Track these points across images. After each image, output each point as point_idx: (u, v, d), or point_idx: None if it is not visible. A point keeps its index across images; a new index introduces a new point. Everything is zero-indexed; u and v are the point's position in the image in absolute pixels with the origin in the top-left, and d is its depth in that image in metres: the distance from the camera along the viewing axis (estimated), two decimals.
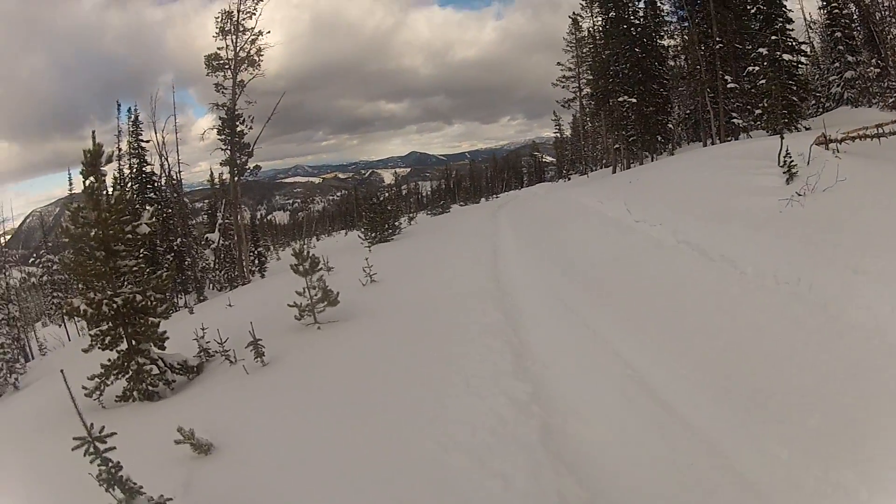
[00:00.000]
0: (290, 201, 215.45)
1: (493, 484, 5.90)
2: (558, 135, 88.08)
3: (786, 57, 28.62)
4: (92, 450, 5.76)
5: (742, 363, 7.69)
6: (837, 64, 34.05)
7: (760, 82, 28.07)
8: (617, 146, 43.39)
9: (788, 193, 13.02)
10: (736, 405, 6.90)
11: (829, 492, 5.34)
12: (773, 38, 28.66)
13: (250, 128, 37.36)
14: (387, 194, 48.60)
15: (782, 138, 15.69)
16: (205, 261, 40.82)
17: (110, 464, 5.79)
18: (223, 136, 36.88)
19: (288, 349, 11.67)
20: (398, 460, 6.56)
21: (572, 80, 62.64)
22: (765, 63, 28.45)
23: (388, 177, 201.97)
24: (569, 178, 72.05)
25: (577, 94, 62.65)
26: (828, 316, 8.13)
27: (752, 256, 10.84)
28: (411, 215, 47.04)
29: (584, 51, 59.15)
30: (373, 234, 29.93)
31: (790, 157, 14.41)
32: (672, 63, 43.03)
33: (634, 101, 37.36)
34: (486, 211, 39.52)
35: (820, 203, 12.08)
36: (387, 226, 30.24)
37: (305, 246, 14.09)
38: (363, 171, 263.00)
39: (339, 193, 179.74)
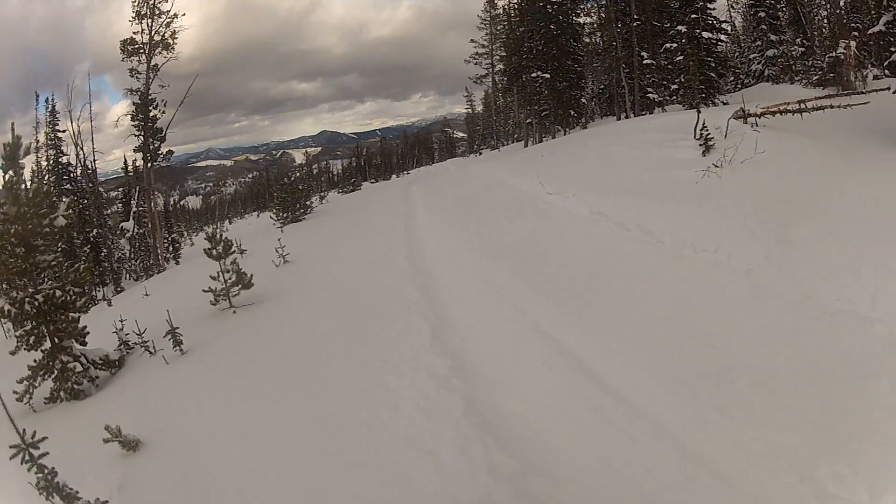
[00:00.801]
0: (203, 185, 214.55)
1: (424, 462, 5.90)
2: (470, 111, 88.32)
3: (705, 34, 28.79)
4: (27, 457, 5.61)
5: (667, 331, 7.67)
6: (759, 42, 34.63)
7: (678, 58, 28.28)
8: (529, 121, 43.31)
9: (705, 165, 13.14)
10: (662, 372, 6.88)
11: (766, 451, 5.42)
12: (693, 16, 28.80)
13: (163, 112, 36.53)
14: (298, 174, 47.81)
15: (699, 112, 15.75)
16: (120, 251, 39.76)
17: (46, 470, 5.61)
18: (136, 122, 35.95)
19: (206, 336, 11.19)
20: (324, 445, 6.46)
21: (485, 56, 62.92)
22: (683, 40, 28.63)
23: (299, 157, 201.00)
24: (480, 154, 72.02)
25: (490, 70, 63.11)
26: (751, 284, 8.17)
27: (670, 227, 10.79)
28: (323, 194, 45.97)
29: (498, 28, 59.64)
30: (284, 215, 29.19)
31: (706, 131, 14.47)
32: (588, 40, 43.63)
33: (548, 76, 37.37)
34: (398, 188, 38.61)
35: (738, 175, 12.25)
36: (298, 206, 29.55)
37: (218, 230, 13.60)
38: (274, 152, 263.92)
39: (250, 175, 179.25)
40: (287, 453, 6.45)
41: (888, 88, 17.15)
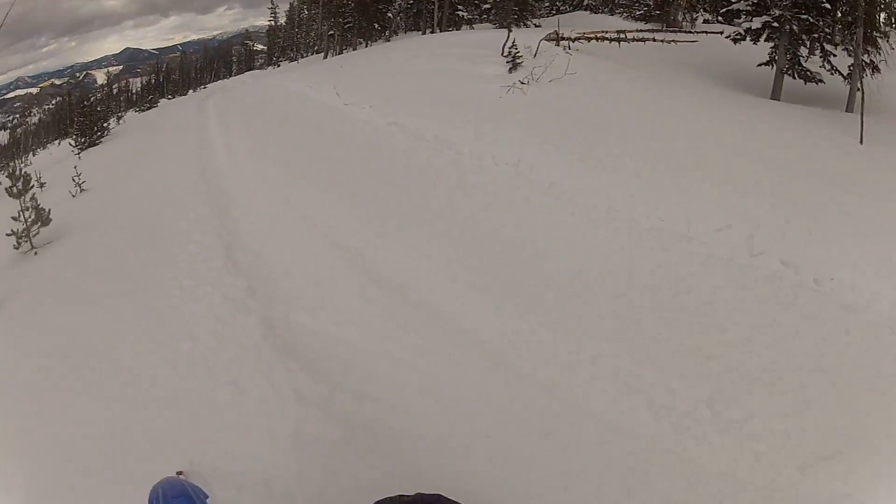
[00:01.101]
0: (11, 118, 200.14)
1: (231, 397, 5.51)
2: (273, 23, 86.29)
3: None
4: None
5: (473, 239, 7.47)
6: None
7: None
8: (332, 32, 41.45)
9: (511, 82, 12.81)
10: (466, 279, 6.73)
11: (577, 358, 5.46)
12: None
13: None
14: (98, 95, 45.01)
15: (510, 31, 15.42)
16: None
17: None
18: None
19: (12, 286, 9.75)
20: (126, 392, 5.85)
21: None
22: None
23: (101, 77, 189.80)
24: (278, 66, 70.48)
25: None
26: (556, 195, 7.96)
27: (470, 139, 10.24)
28: (120, 115, 43.07)
29: None
30: (83, 140, 26.86)
31: (515, 49, 14.09)
32: None
33: None
34: (193, 103, 36.10)
35: (545, 92, 12.05)
36: (96, 129, 27.32)
37: (19, 165, 12.07)
38: (77, 75, 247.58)
39: (54, 101, 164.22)
40: (92, 402, 5.81)
41: (721, 33, 17.69)
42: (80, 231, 11.33)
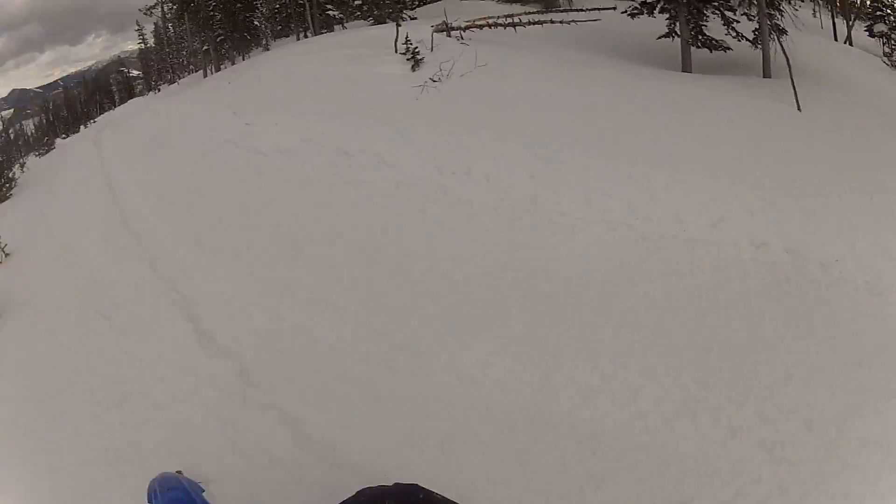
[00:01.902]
0: None
1: None
2: (142, 46, 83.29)
3: None
4: None
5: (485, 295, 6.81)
6: None
7: None
8: (206, 48, 40.50)
9: (419, 81, 12.40)
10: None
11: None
12: None
13: None
14: None
15: (398, 25, 15.08)
16: None
17: None
18: None
19: None
20: None
21: None
22: None
23: None
24: (159, 90, 68.09)
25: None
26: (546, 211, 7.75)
27: (400, 151, 9.70)
28: (22, 161, 41.19)
29: None
30: None
31: (412, 44, 13.64)
32: None
33: None
34: (88, 140, 35.00)
35: (461, 88, 11.85)
36: (2, 181, 25.48)
37: None
38: None
39: None
40: None
41: (614, 8, 17.64)
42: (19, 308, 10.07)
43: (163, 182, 13.83)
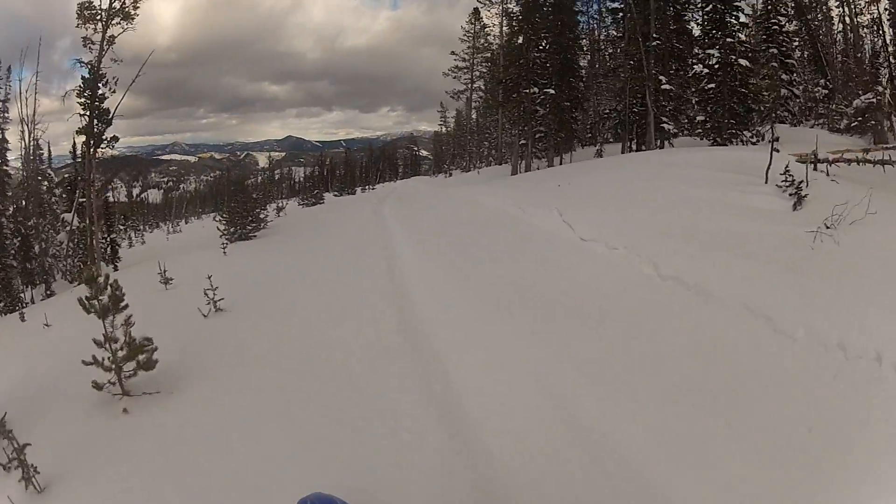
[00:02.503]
0: (166, 179, 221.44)
1: None
2: (442, 127, 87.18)
3: (742, 62, 26.40)
4: None
5: None
6: (767, 80, 32.38)
7: (709, 86, 25.87)
8: (523, 142, 39.26)
9: (805, 222, 10.04)
10: None
11: None
12: (729, 40, 26.47)
13: (113, 91, 33.02)
14: (258, 178, 45.10)
15: (774, 149, 13.13)
16: (56, 246, 36.25)
17: None
18: (83, 100, 32.20)
19: (78, 454, 7.56)
20: None
21: (465, 71, 62.47)
22: (716, 66, 26.47)
23: (262, 160, 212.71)
24: (450, 175, 69.82)
25: (469, 85, 62.88)
26: None
27: (796, 311, 7.39)
28: (281, 205, 42.65)
29: (481, 42, 60.54)
30: (232, 230, 25.73)
31: (791, 175, 11.70)
32: (584, 61, 41.71)
33: (552, 91, 34.29)
34: (366, 204, 35.10)
35: (857, 241, 9.03)
36: (250, 218, 26.15)
37: (96, 271, 9.04)
38: (239, 153, 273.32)
39: (213, 174, 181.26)
40: None
41: None
42: (197, 382, 9.06)
43: (467, 283, 12.13)
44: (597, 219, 13.72)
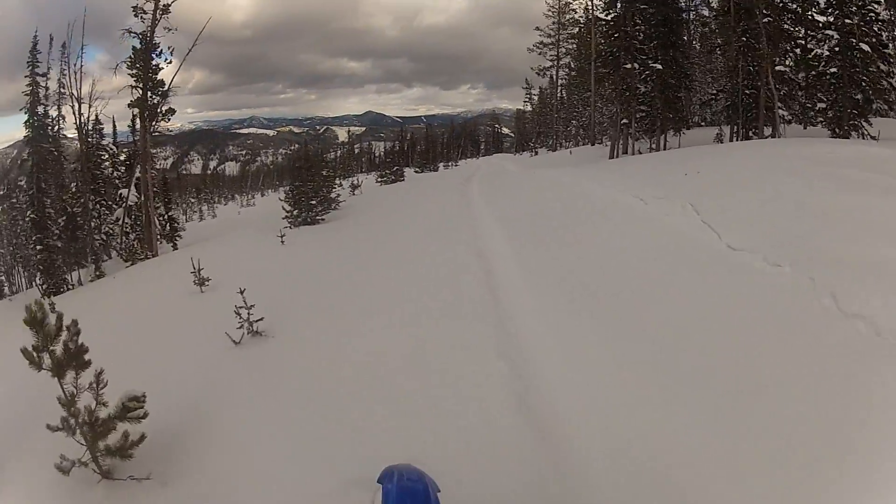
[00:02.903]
0: (244, 152, 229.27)
1: None
2: (527, 104, 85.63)
3: (863, 47, 24.20)
4: None
5: None
6: None
7: (831, 70, 23.61)
8: (625, 121, 35.70)
9: None
10: None
11: None
12: (848, 21, 24.46)
13: (169, 62, 32.60)
14: (338, 152, 42.84)
15: None
16: (109, 224, 35.88)
17: None
18: (135, 71, 31.60)
19: None
20: None
21: (550, 46, 61.72)
22: (836, 49, 24.47)
23: (342, 134, 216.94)
24: (535, 153, 67.50)
25: (555, 62, 63.16)
26: None
27: None
28: (357, 181, 40.09)
29: (567, 17, 59.79)
30: (296, 213, 23.41)
31: None
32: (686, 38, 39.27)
33: (659, 67, 31.38)
34: (450, 182, 32.23)
35: None
36: (315, 202, 23.73)
37: (42, 305, 6.10)
38: (318, 127, 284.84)
39: (292, 147, 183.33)
40: None
41: None
42: (205, 463, 6.60)
43: (577, 299, 9.53)
44: (745, 221, 10.90)
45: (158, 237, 34.42)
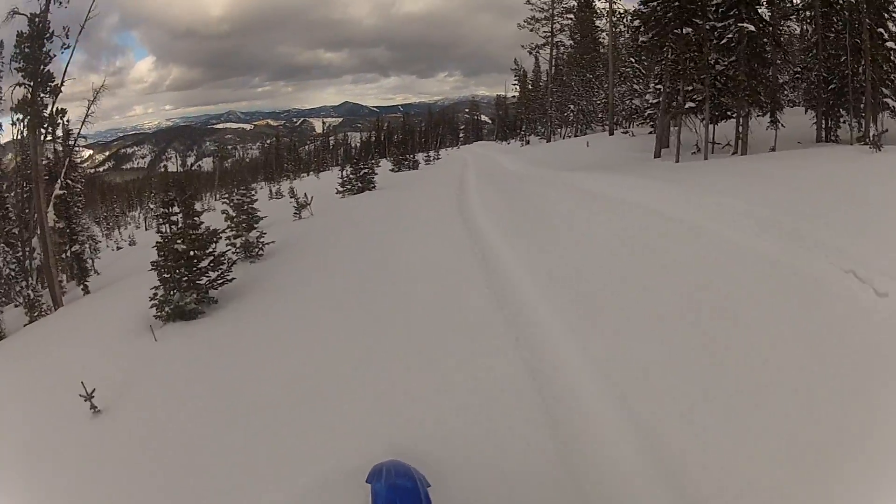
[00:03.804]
0: (227, 146, 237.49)
1: None
2: (515, 86, 79.91)
3: None
4: None
5: None
6: None
7: None
8: (691, 104, 23.26)
9: None
10: None
11: None
12: None
13: (66, 47, 24.38)
14: (315, 144, 35.45)
15: None
16: (10, 265, 26.85)
17: None
18: (20, 63, 23.54)
19: None
20: None
21: (544, 22, 55.32)
22: None
23: (319, 126, 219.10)
24: (526, 142, 59.76)
25: (549, 38, 56.04)
26: None
27: None
28: (304, 198, 24.93)
29: None
30: (162, 299, 12.80)
31: None
32: None
33: (751, 27, 20.66)
34: (439, 192, 23.32)
35: None
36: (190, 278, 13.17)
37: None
38: (295, 120, 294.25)
39: (269, 141, 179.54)
40: None
41: None
42: None
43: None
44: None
45: (62, 283, 26.27)
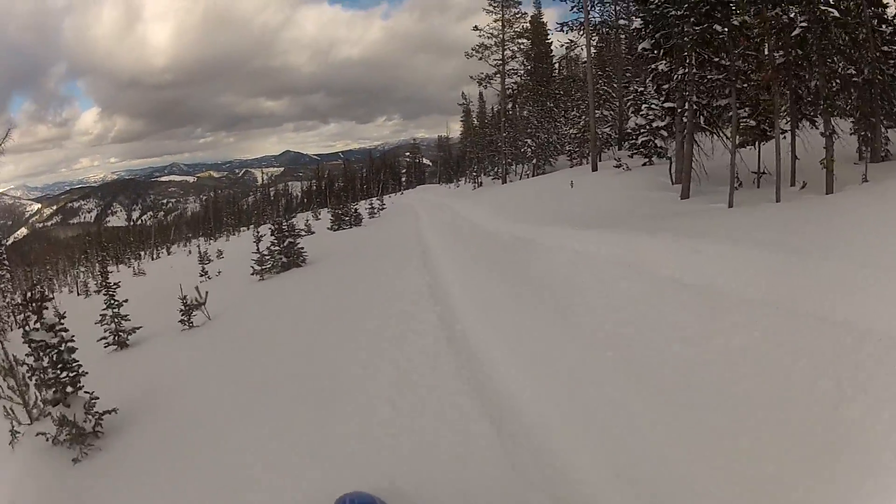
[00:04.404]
0: (165, 201, 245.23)
1: None
2: (461, 124, 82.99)
3: None
4: None
5: None
6: None
7: None
8: (746, 118, 17.49)
9: None
10: None
11: None
12: None
13: None
14: (256, 195, 32.08)
15: None
16: None
17: None
18: None
19: None
20: None
21: (494, 49, 51.25)
22: None
23: (261, 176, 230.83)
24: (480, 184, 54.43)
25: (500, 67, 51.49)
26: None
27: None
28: (198, 297, 18.16)
29: (513, 12, 50.30)
30: None
31: None
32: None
33: (835, 13, 14.61)
34: (391, 269, 17.91)
35: None
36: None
37: None
38: (237, 171, 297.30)
39: (210, 193, 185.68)
40: None
41: None
42: None
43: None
44: None
45: None
